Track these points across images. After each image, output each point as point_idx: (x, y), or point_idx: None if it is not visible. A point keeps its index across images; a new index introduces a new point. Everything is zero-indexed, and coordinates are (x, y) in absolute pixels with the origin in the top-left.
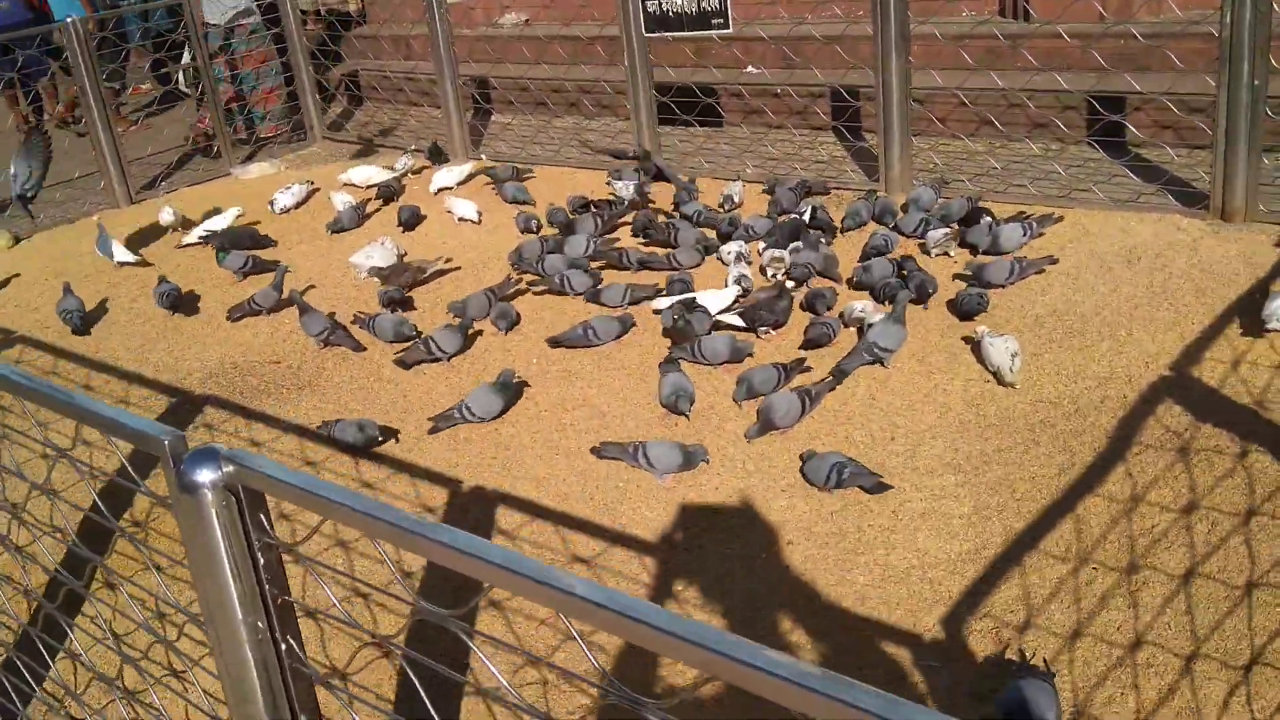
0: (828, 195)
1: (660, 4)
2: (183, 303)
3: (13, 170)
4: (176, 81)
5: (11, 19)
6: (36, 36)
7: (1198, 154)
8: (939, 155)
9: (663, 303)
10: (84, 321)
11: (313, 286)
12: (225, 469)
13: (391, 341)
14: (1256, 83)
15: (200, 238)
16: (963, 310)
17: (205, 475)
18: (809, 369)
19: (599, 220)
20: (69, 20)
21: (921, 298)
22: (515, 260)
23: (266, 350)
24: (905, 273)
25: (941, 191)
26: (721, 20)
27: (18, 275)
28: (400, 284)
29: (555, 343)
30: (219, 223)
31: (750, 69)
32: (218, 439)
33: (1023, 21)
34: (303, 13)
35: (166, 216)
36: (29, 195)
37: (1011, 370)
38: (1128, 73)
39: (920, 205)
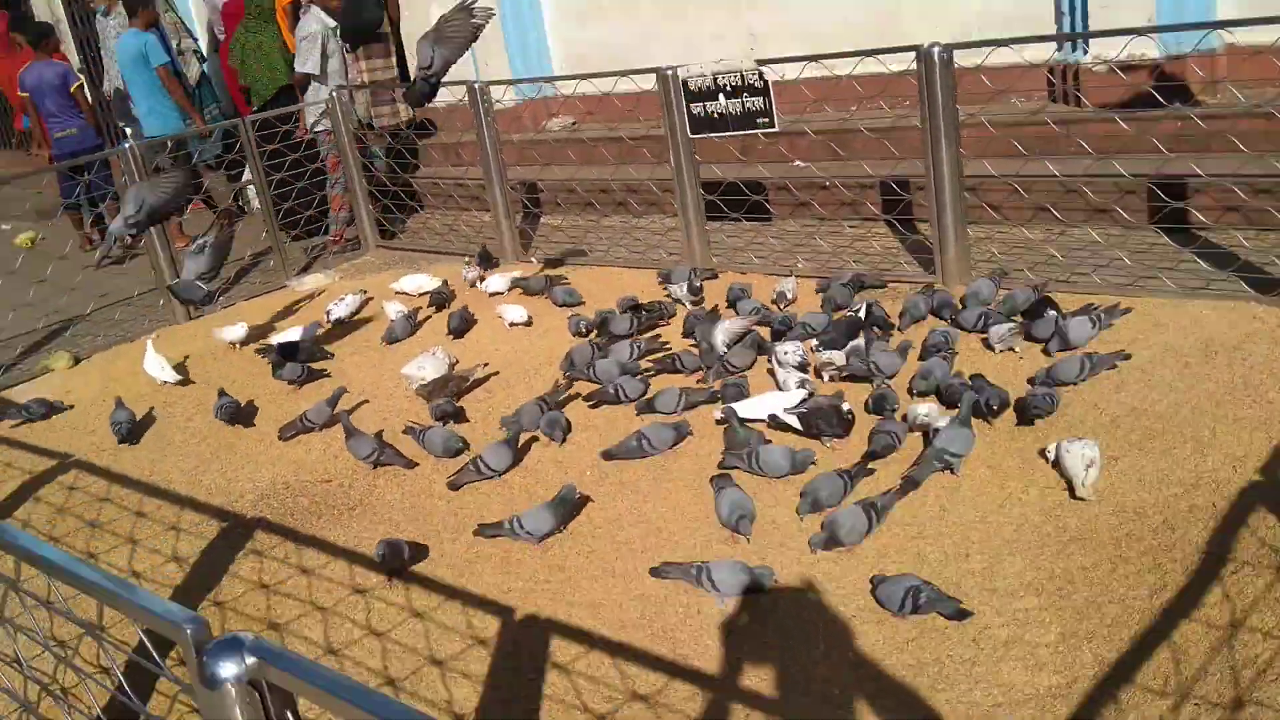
0: (883, 289)
1: (705, 107)
2: (241, 415)
3: (189, 265)
4: (238, 199)
5: (83, 144)
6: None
7: (1267, 236)
8: (996, 245)
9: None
10: (132, 431)
11: (366, 401)
12: (249, 661)
13: (441, 456)
14: None
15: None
16: (1031, 412)
17: (229, 669)
18: (872, 471)
19: (635, 320)
20: (127, 145)
21: (991, 412)
22: (566, 366)
23: (318, 468)
24: (974, 387)
25: (1001, 283)
26: (767, 120)
27: (71, 408)
28: (446, 395)
29: (609, 455)
30: (289, 334)
31: (797, 163)
32: (266, 567)
33: (1074, 107)
34: (358, 124)
35: (234, 333)
36: (208, 288)
37: (1085, 483)
38: (1189, 155)
39: (980, 298)
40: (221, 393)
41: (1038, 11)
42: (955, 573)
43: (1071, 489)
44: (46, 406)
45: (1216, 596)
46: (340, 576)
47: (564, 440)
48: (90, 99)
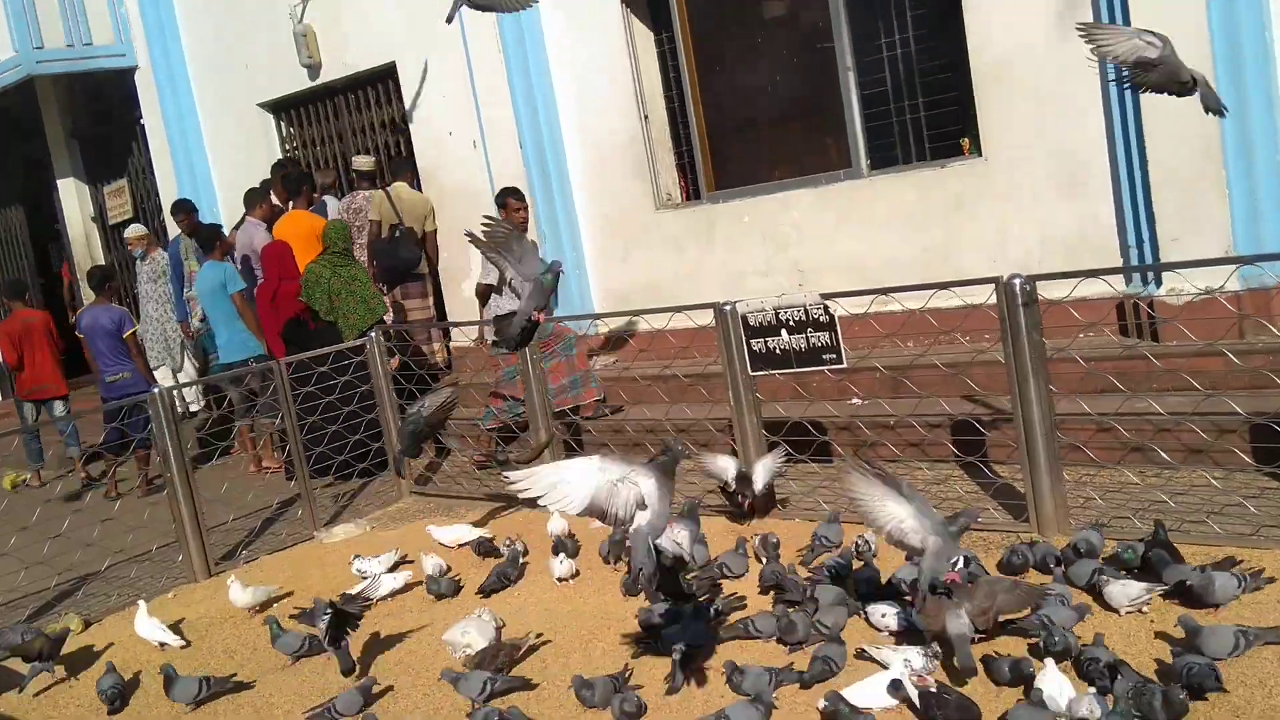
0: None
1: (765, 343)
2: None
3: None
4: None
5: (136, 387)
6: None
7: None
8: (1090, 489)
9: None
10: (118, 696)
11: (391, 687)
12: None
13: None
14: None
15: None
16: (1190, 684)
17: None
18: None
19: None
20: (156, 390)
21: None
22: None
23: None
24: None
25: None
26: (834, 355)
27: (72, 679)
28: (495, 667)
29: None
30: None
31: (855, 401)
32: None
33: (1150, 341)
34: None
35: (244, 597)
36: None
37: None
38: None
39: (1090, 551)
40: (110, 668)
41: (1101, 241)
42: None
43: None
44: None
45: None
46: None
47: None
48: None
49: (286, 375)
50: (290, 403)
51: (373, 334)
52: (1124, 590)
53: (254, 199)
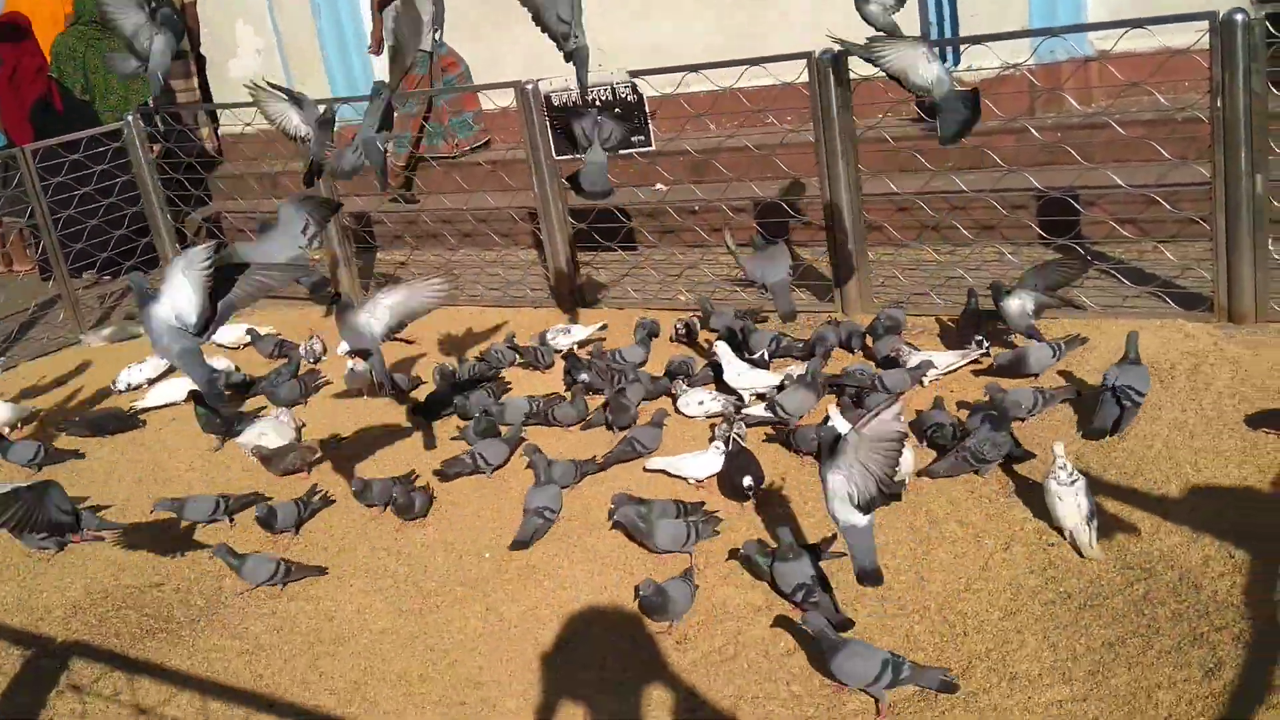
0: (765, 323)
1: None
2: None
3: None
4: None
5: None
6: None
7: (1183, 249)
8: (893, 268)
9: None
10: None
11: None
12: None
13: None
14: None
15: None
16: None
17: None
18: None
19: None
20: None
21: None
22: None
23: (145, 569)
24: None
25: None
26: (642, 138)
27: None
28: (284, 470)
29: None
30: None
31: (659, 187)
32: (90, 710)
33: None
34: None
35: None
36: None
37: (1091, 543)
38: (1078, 167)
39: (894, 328)
40: None
41: (899, 16)
42: (958, 655)
43: (1076, 548)
44: None
45: None
46: (190, 715)
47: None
48: None
49: (33, 165)
50: (40, 196)
51: (130, 117)
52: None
53: None
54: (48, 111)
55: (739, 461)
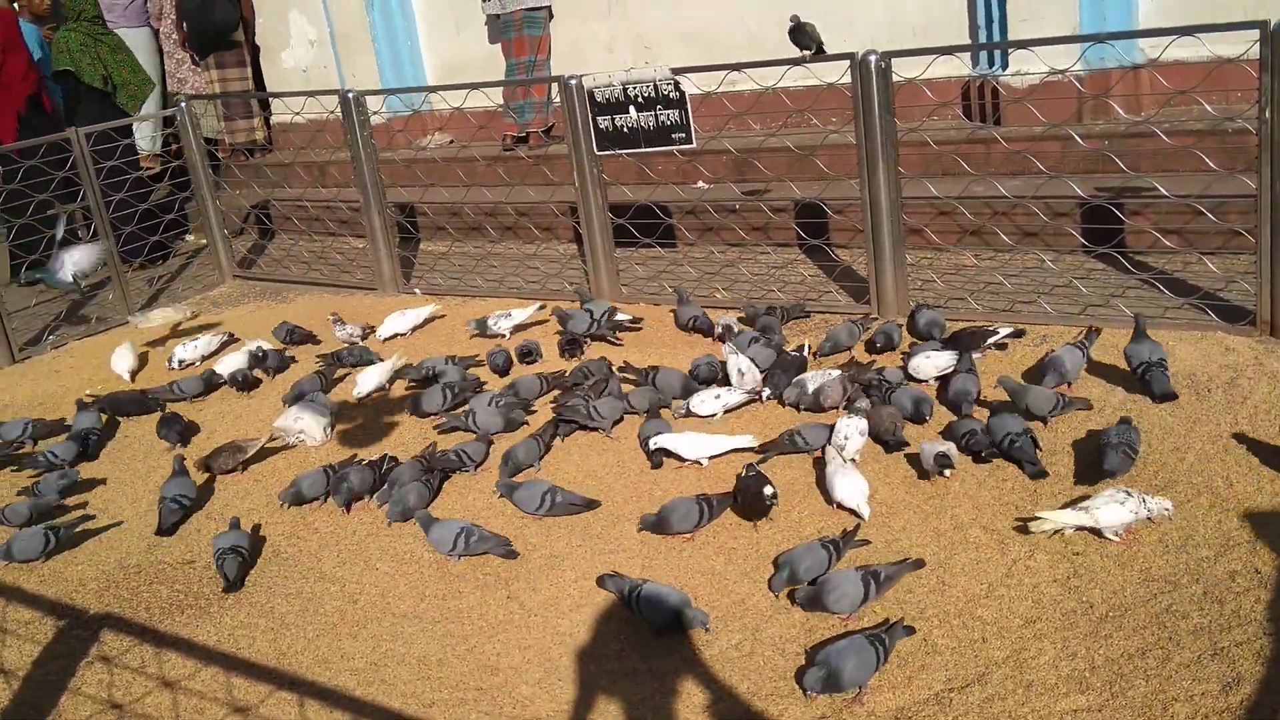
0: (808, 318)
1: (613, 120)
2: None
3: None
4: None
5: None
6: None
7: (1228, 261)
8: (932, 272)
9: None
10: None
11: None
12: None
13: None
14: None
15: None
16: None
17: None
18: (866, 542)
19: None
20: None
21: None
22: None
23: (177, 546)
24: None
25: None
26: (683, 135)
27: None
28: (221, 469)
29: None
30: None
31: (700, 184)
32: (118, 680)
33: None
34: (207, 140)
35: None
36: None
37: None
38: (1125, 175)
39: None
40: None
41: (947, 20)
42: (976, 660)
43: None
44: None
45: None
46: (214, 689)
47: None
48: None
49: (88, 148)
50: (93, 178)
51: (184, 104)
52: (930, 361)
53: None
54: (37, 111)
55: (753, 475)
